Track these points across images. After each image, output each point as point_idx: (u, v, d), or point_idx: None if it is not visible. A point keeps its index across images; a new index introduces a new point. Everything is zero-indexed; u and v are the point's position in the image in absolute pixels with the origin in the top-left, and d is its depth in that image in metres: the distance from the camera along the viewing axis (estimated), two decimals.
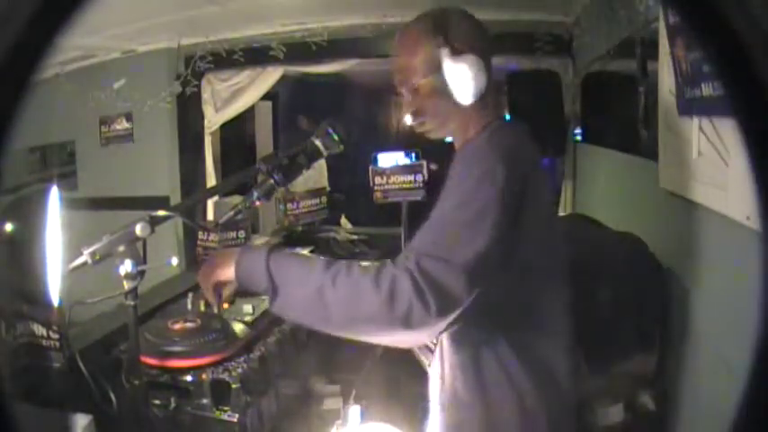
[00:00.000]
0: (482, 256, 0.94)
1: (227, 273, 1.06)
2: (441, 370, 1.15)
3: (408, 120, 1.19)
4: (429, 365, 1.24)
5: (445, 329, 1.01)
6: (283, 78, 3.36)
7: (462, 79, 1.09)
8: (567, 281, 1.14)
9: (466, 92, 1.09)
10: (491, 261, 0.96)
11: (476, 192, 0.99)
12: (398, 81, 1.16)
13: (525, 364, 1.08)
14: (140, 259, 1.06)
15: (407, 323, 0.91)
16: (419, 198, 2.42)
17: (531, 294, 1.09)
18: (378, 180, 2.44)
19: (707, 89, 1.10)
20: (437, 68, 1.10)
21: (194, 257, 2.21)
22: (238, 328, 1.30)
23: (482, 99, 1.12)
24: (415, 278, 0.91)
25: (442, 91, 1.10)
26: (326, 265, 0.98)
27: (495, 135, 1.12)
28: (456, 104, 1.11)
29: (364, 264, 0.98)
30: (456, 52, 1.09)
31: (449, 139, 1.21)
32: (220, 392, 1.17)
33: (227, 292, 1.10)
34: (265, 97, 3.62)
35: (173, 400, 1.17)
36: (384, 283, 0.92)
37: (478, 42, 1.13)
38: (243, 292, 1.48)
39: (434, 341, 1.18)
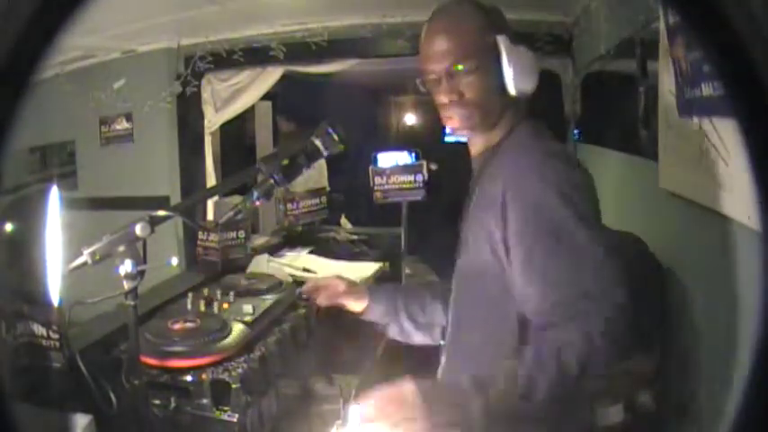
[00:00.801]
0: (622, 284, 0.92)
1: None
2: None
3: (445, 109, 1.10)
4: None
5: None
6: (283, 78, 3.36)
7: (522, 68, 1.04)
8: None
9: (523, 82, 1.05)
10: (626, 280, 0.94)
11: (571, 218, 0.94)
12: (442, 63, 1.06)
13: None
14: (140, 259, 1.06)
15: (590, 371, 0.91)
16: (419, 198, 2.42)
17: None
18: (378, 180, 2.44)
19: (707, 89, 1.10)
20: (491, 53, 1.04)
21: (194, 257, 2.21)
22: (238, 328, 1.30)
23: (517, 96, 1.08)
24: (590, 337, 0.89)
25: (495, 78, 1.05)
26: (522, 374, 0.90)
27: (538, 138, 1.08)
28: (502, 96, 1.07)
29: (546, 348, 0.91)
30: (513, 42, 1.05)
31: (453, 138, 1.20)
32: (220, 392, 1.17)
33: None
34: (265, 97, 3.62)
35: (173, 400, 1.17)
36: (570, 357, 0.89)
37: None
38: (246, 292, 1.49)
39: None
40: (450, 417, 0.92)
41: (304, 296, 1.52)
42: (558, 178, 0.98)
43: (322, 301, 1.47)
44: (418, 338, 1.37)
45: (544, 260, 0.96)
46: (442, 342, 1.27)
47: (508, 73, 1.04)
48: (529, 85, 1.06)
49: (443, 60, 1.06)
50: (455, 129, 1.12)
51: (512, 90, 1.05)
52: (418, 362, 1.38)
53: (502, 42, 1.04)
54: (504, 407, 0.91)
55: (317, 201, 2.60)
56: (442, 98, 1.09)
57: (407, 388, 0.96)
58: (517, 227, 0.98)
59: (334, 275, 1.54)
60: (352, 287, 1.46)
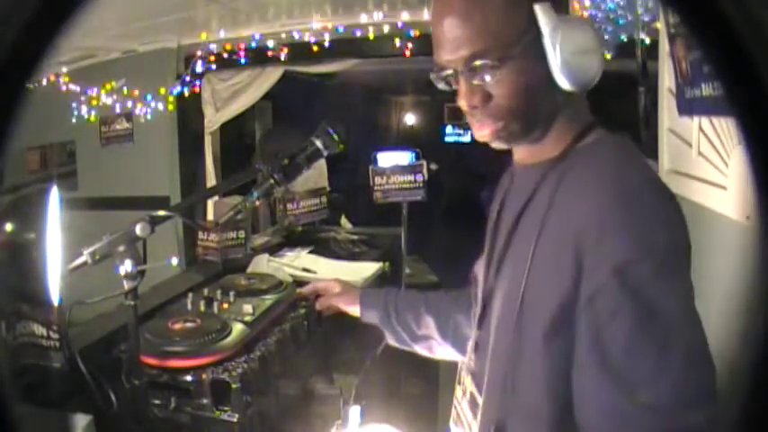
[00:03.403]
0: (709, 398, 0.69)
1: None
2: None
3: (468, 116, 0.81)
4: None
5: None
6: (283, 78, 3.36)
7: (575, 50, 0.73)
8: None
9: (579, 71, 0.74)
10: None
11: (667, 295, 0.70)
12: (455, 54, 0.77)
13: None
14: (140, 259, 1.06)
15: None
16: (419, 198, 2.42)
17: None
18: (378, 180, 2.44)
19: (707, 89, 1.11)
20: (528, 32, 0.74)
21: (194, 257, 2.22)
22: (238, 328, 1.30)
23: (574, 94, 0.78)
24: None
25: (537, 68, 0.75)
26: None
27: (625, 159, 0.80)
28: (551, 92, 0.77)
29: None
30: (562, 11, 0.74)
31: (453, 138, 0.97)
32: (220, 392, 1.17)
33: None
34: (265, 97, 3.62)
35: (173, 400, 1.17)
36: None
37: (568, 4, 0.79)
38: (246, 292, 1.49)
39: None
40: None
41: (303, 301, 1.52)
42: (656, 230, 0.71)
43: (318, 305, 1.47)
44: (419, 349, 1.29)
45: (619, 348, 0.70)
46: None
47: (555, 59, 0.73)
48: (588, 75, 0.75)
49: (457, 50, 0.76)
50: (487, 141, 0.83)
51: (563, 83, 0.75)
52: (418, 362, 1.38)
53: (542, 14, 0.73)
54: None
55: (316, 201, 2.60)
56: (462, 102, 0.80)
57: None
58: (592, 292, 0.71)
59: (332, 278, 1.53)
60: (346, 290, 1.44)
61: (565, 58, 0.73)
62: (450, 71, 0.79)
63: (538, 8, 0.73)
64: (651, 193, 0.74)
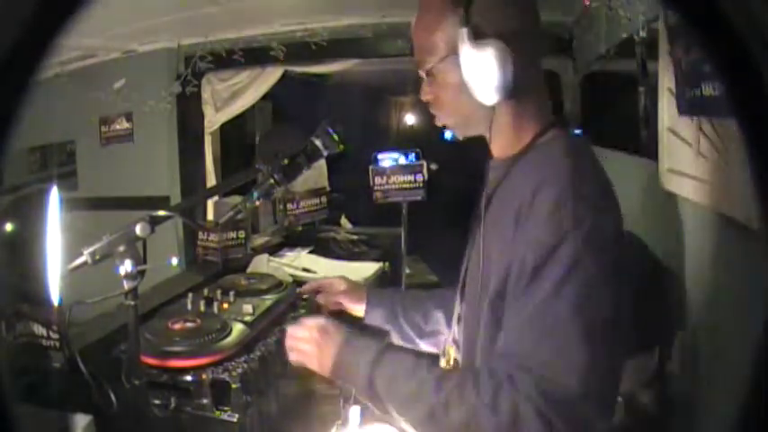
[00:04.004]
0: (613, 365, 0.82)
1: (323, 370, 1.04)
2: None
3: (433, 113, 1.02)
4: None
5: None
6: (283, 78, 3.36)
7: (480, 72, 0.85)
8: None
9: (484, 88, 0.87)
10: (621, 360, 0.84)
11: (574, 270, 0.79)
12: (416, 61, 0.98)
13: None
14: (140, 259, 1.06)
15: None
16: (419, 198, 2.42)
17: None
18: (378, 180, 2.44)
19: (707, 89, 1.10)
20: (452, 53, 0.89)
21: (194, 257, 2.21)
22: (238, 328, 1.30)
23: (519, 99, 0.92)
24: (542, 412, 0.76)
25: (461, 81, 0.89)
26: (437, 386, 0.86)
27: (570, 156, 0.89)
28: (478, 101, 0.90)
29: (479, 379, 0.83)
30: (478, 35, 0.86)
31: (448, 135, 1.09)
32: (220, 392, 1.17)
33: None
34: (265, 97, 3.62)
35: (173, 400, 1.17)
36: (503, 412, 0.79)
37: (513, 25, 0.89)
38: (246, 292, 1.48)
39: None
40: (348, 370, 0.98)
41: (304, 296, 1.51)
42: (585, 211, 0.82)
43: (321, 300, 1.46)
44: (425, 346, 1.32)
45: (525, 312, 0.83)
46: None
47: (468, 74, 0.87)
48: (493, 89, 0.86)
49: (416, 58, 0.97)
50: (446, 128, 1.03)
51: (476, 95, 0.88)
52: None
53: (460, 38, 0.86)
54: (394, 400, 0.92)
55: (316, 201, 2.60)
56: (422, 96, 1.00)
57: (338, 328, 1.03)
58: (521, 256, 0.85)
59: (337, 276, 1.53)
60: (353, 288, 1.44)
61: (468, 76, 0.87)
62: None
63: (461, 33, 0.87)
64: (589, 184, 0.85)
